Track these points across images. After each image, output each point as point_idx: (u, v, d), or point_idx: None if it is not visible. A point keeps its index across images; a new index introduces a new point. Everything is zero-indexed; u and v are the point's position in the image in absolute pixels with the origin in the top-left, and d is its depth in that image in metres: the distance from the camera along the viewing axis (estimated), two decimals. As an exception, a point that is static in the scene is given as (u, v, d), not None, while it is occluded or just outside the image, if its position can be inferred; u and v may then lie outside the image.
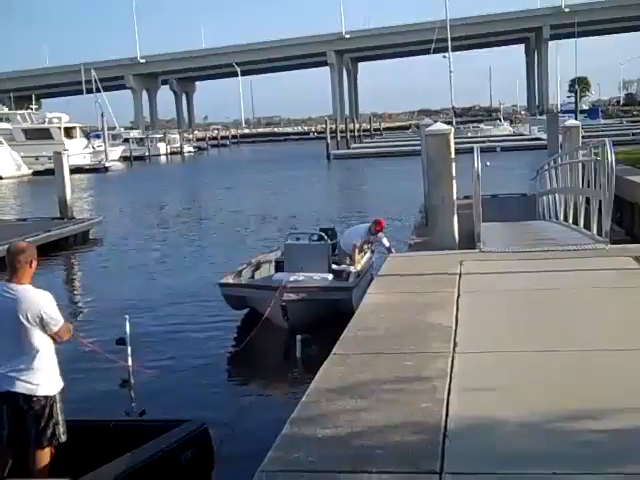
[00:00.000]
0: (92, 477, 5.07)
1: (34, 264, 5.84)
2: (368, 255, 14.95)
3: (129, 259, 21.29)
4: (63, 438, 5.76)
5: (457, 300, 9.19)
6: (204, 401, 10.02)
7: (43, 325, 5.66)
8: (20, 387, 5.63)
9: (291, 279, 13.24)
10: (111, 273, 19.18)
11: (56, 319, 5.73)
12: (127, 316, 10.70)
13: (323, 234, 14.64)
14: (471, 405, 5.82)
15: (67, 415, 6.02)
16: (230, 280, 13.61)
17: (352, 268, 13.82)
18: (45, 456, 5.70)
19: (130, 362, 10.40)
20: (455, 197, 13.26)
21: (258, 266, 14.86)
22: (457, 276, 10.63)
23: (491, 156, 20.22)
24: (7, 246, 6.09)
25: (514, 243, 13.16)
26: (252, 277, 14.33)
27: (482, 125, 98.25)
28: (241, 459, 6.55)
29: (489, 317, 8.53)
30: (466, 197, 16.94)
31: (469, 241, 13.44)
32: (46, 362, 5.73)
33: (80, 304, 16.54)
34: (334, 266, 14.06)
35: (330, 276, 13.67)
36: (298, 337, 11.12)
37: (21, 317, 5.62)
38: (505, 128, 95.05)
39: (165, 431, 5.77)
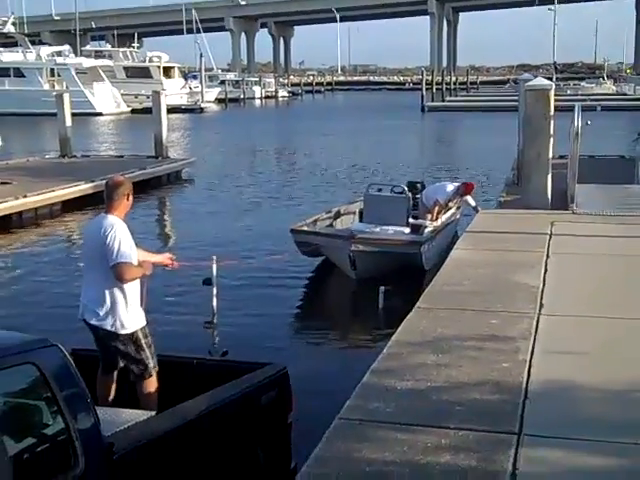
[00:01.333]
0: (174, 412, 5.19)
1: (130, 198, 5.91)
2: (451, 212, 14.61)
3: (219, 200, 21.55)
4: (154, 372, 5.83)
5: (546, 261, 9.05)
6: (285, 346, 10.15)
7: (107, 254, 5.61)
8: (101, 322, 5.71)
9: (366, 230, 13.12)
10: (200, 213, 19.45)
11: (118, 252, 5.57)
12: (214, 257, 10.84)
13: (404, 187, 14.39)
14: (553, 368, 5.76)
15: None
16: (302, 227, 13.42)
17: (428, 223, 13.52)
18: (146, 388, 5.79)
19: (215, 303, 10.56)
20: (551, 155, 12.97)
21: (338, 215, 14.68)
22: (547, 236, 10.46)
23: (591, 115, 19.59)
24: (106, 180, 6.21)
25: (609, 206, 12.82)
26: (331, 226, 14.15)
27: (583, 83, 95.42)
28: (320, 405, 6.62)
29: (578, 280, 8.38)
30: (561, 157, 16.53)
31: (562, 202, 13.17)
32: (125, 298, 5.74)
33: (169, 242, 16.87)
34: (411, 220, 13.81)
35: (407, 230, 13.42)
36: (381, 288, 11.10)
37: (95, 246, 5.70)
38: (608, 87, 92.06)
39: (246, 372, 5.85)
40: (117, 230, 5.66)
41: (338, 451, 4.47)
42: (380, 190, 14.87)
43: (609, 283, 8.23)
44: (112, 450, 4.47)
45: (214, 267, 10.64)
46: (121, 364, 5.88)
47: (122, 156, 28.48)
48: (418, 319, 6.99)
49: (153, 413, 5.31)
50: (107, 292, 5.71)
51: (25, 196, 17.66)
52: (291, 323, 11.53)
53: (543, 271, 8.57)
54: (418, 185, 15.26)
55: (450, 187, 14.56)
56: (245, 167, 29.40)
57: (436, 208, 13.96)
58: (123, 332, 5.74)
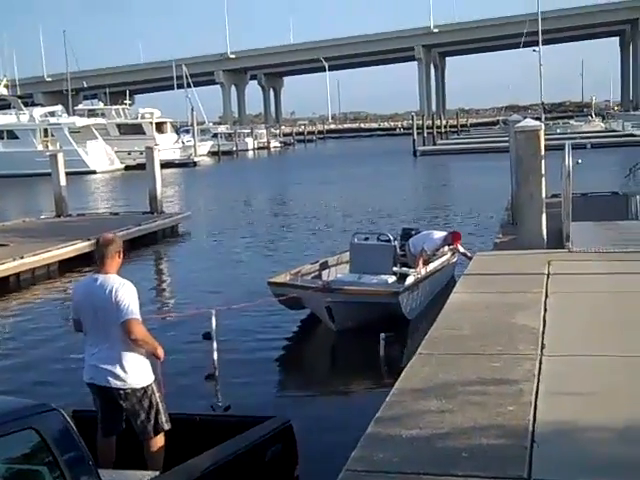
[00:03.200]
0: (178, 471, 5.14)
1: (120, 257, 5.94)
2: (444, 258, 14.41)
3: (215, 254, 21.56)
4: (167, 426, 5.81)
5: (545, 301, 9.04)
6: (288, 398, 10.09)
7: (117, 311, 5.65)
8: (116, 382, 5.68)
9: (345, 280, 13.05)
10: (197, 268, 19.45)
11: (125, 308, 5.64)
12: (213, 310, 10.83)
13: (389, 235, 14.25)
14: (559, 409, 5.71)
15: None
16: (279, 280, 13.17)
17: (412, 272, 13.27)
18: (154, 446, 5.76)
19: (215, 356, 10.52)
20: (544, 195, 13.03)
21: (326, 266, 14.45)
22: (545, 276, 10.45)
23: (581, 153, 19.81)
24: (97, 239, 6.25)
25: (605, 243, 12.85)
26: (318, 276, 13.89)
27: (572, 121, 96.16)
28: (325, 457, 6.56)
29: (578, 319, 8.36)
30: (554, 195, 16.61)
31: (557, 240, 13.20)
32: (137, 353, 5.76)
33: (166, 297, 16.85)
34: (395, 269, 13.63)
35: (392, 278, 13.28)
36: (382, 335, 11.07)
37: (105, 305, 5.69)
38: (597, 124, 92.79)
39: (250, 427, 5.82)
40: (128, 288, 5.76)
41: (346, 504, 4.41)
42: (367, 239, 14.75)
43: (608, 321, 8.21)
44: (117, 513, 4.41)
45: (213, 321, 10.63)
46: (123, 425, 5.82)
47: (117, 213, 28.53)
48: (420, 365, 6.95)
49: (157, 473, 5.25)
50: (120, 349, 5.70)
51: (22, 257, 17.66)
52: (294, 375, 11.47)
53: (542, 311, 8.55)
54: (413, 232, 15.09)
55: (437, 235, 14.40)
56: (240, 220, 29.46)
57: (422, 256, 13.73)
58: (138, 387, 5.72)
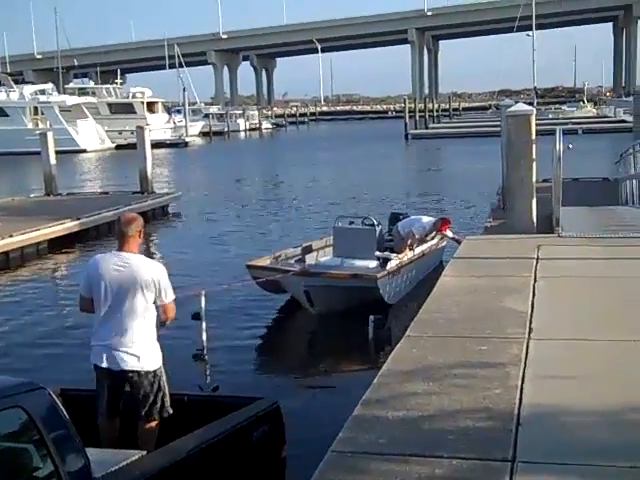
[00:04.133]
0: (165, 450, 5.15)
1: (142, 236, 5.95)
2: (430, 243, 14.32)
3: (205, 234, 21.55)
4: (170, 410, 5.79)
5: (534, 285, 9.05)
6: (276, 379, 10.13)
7: (156, 294, 5.66)
8: (129, 364, 5.63)
9: (325, 264, 13.03)
10: (187, 248, 19.43)
11: (167, 290, 5.75)
12: (203, 291, 10.84)
13: (374, 219, 14.10)
14: (545, 393, 5.74)
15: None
16: (258, 263, 13.08)
17: (394, 256, 13.12)
18: (152, 428, 5.73)
19: (204, 337, 10.54)
20: (534, 179, 13.04)
21: (309, 250, 14.27)
22: (534, 260, 10.47)
23: (573, 139, 19.78)
24: (117, 217, 6.21)
25: (594, 228, 12.88)
26: (301, 260, 13.73)
27: (564, 107, 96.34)
28: (312, 438, 6.59)
29: (566, 303, 8.39)
30: (545, 180, 16.63)
31: (547, 225, 13.22)
32: (152, 335, 5.76)
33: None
34: (377, 253, 13.48)
35: (374, 263, 13.14)
36: (371, 317, 11.10)
37: (136, 287, 5.61)
38: (589, 110, 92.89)
39: (238, 407, 5.83)
40: (163, 269, 5.81)
41: (331, 485, 4.43)
42: (352, 222, 14.60)
43: (597, 305, 8.24)
44: (104, 492, 4.42)
45: (203, 301, 10.64)
46: (142, 406, 5.77)
47: (107, 193, 28.47)
48: (408, 348, 6.96)
49: (144, 452, 5.26)
50: (136, 332, 5.65)
51: (11, 236, 17.60)
52: (282, 356, 11.50)
53: (531, 295, 8.57)
54: (401, 217, 14.96)
55: (426, 219, 14.30)
56: (231, 200, 29.42)
57: (410, 240, 13.62)
58: (151, 369, 5.69)
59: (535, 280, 9.30)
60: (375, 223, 13.90)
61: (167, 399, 5.80)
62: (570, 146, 13.62)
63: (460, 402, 5.50)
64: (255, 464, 5.72)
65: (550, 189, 14.05)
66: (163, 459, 5.03)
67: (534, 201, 13.00)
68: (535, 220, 13.04)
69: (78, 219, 19.58)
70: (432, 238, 14.42)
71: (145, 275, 5.66)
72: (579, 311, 8.03)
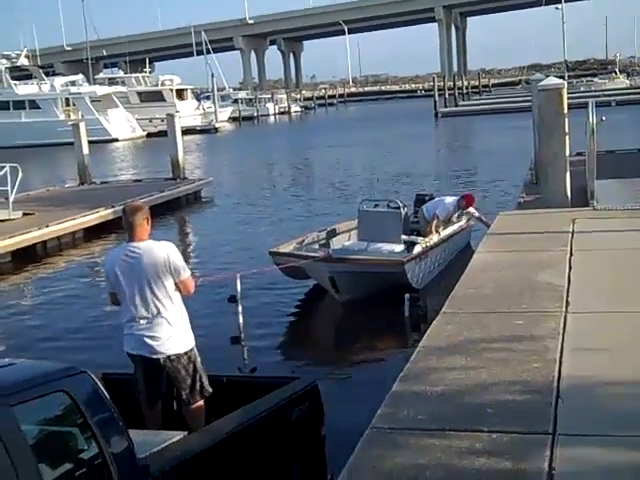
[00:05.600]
0: (206, 431, 5.21)
1: (149, 223, 5.91)
2: (456, 225, 13.97)
3: (238, 218, 21.61)
4: (210, 389, 5.84)
5: (569, 259, 9.00)
6: (314, 359, 10.17)
7: (172, 274, 5.69)
8: (161, 350, 5.68)
9: (350, 249, 12.68)
10: (221, 233, 19.53)
11: (184, 266, 5.79)
12: (238, 274, 10.91)
13: (399, 202, 13.69)
14: (584, 365, 5.72)
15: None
16: (281, 249, 12.68)
17: (420, 240, 12.80)
18: (199, 409, 5.79)
19: (241, 319, 10.62)
20: (568, 153, 12.93)
21: (334, 233, 13.92)
22: (569, 234, 10.41)
23: (606, 111, 19.58)
24: (123, 208, 6.12)
25: (630, 200, 12.73)
26: (326, 245, 13.39)
27: (596, 79, 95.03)
28: (351, 416, 6.62)
29: (602, 276, 8.33)
30: (579, 154, 16.46)
31: (582, 199, 13.11)
32: (180, 317, 5.79)
33: (191, 262, 16.94)
34: (404, 237, 13.10)
35: (400, 247, 12.75)
36: (407, 295, 11.08)
37: (151, 272, 5.66)
38: (621, 81, 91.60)
39: (276, 387, 5.87)
40: (172, 248, 5.84)
41: (371, 460, 4.46)
42: (377, 205, 14.22)
43: (634, 278, 8.17)
44: (147, 472, 4.49)
45: (238, 284, 10.72)
46: (184, 390, 5.80)
47: (140, 180, 28.66)
48: (444, 324, 6.97)
49: (186, 433, 5.32)
50: (164, 316, 5.70)
51: (47, 226, 17.80)
52: (319, 336, 11.54)
53: (567, 269, 8.53)
54: (426, 198, 14.65)
55: (449, 200, 13.90)
56: (262, 185, 29.49)
57: (434, 222, 13.32)
58: (183, 352, 5.73)
59: (571, 254, 9.24)
60: (400, 206, 13.55)
61: (205, 379, 5.83)
62: (604, 118, 13.47)
63: (498, 376, 5.50)
64: (295, 443, 5.76)
65: (584, 162, 13.92)
66: (204, 439, 5.09)
67: (568, 175, 12.89)
68: (569, 194, 12.94)
69: (112, 207, 19.71)
70: (458, 217, 14.08)
71: (157, 258, 5.70)
72: (616, 284, 7.98)
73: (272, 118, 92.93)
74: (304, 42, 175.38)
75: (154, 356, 5.70)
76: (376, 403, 5.29)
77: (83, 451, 4.30)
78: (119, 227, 19.77)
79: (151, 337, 5.70)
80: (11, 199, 18.93)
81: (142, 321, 5.73)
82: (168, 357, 5.71)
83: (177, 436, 5.19)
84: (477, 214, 13.98)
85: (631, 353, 5.92)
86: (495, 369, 5.65)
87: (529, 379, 5.44)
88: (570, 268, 8.57)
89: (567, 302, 7.30)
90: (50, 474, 4.05)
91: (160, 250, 5.75)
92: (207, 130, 69.38)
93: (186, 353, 5.76)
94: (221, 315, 11.28)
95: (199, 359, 5.86)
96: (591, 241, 10.13)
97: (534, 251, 9.65)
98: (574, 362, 5.76)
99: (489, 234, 11.40)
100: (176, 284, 5.74)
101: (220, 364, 8.90)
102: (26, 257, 16.69)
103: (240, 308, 10.63)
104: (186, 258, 17.54)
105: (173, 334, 5.72)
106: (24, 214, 19.41)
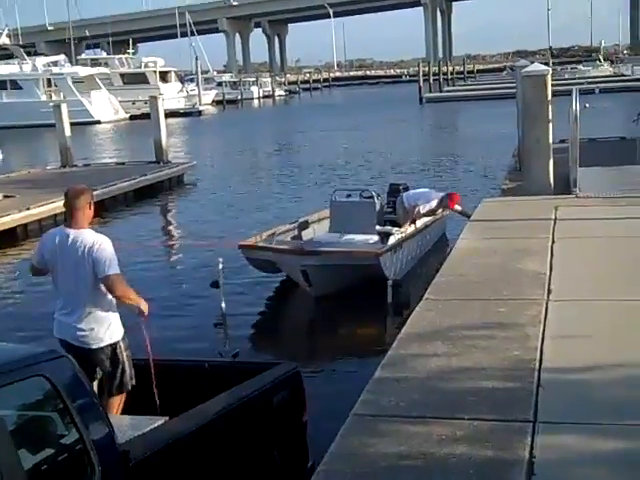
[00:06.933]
0: (187, 416, 5.19)
1: (91, 208, 5.73)
2: (432, 217, 13.44)
3: (221, 203, 21.52)
4: (129, 386, 5.72)
5: (551, 246, 9.03)
6: (295, 344, 10.17)
7: (97, 267, 5.47)
8: (83, 339, 5.59)
9: (321, 241, 12.26)
10: (204, 217, 19.46)
11: (106, 263, 5.48)
12: (221, 259, 10.89)
13: (373, 192, 13.27)
14: (564, 354, 5.74)
15: (163, 354, 6.15)
16: (251, 242, 12.13)
17: (395, 231, 12.32)
18: (116, 403, 5.67)
19: (223, 304, 10.60)
20: (551, 140, 12.95)
21: (306, 225, 13.37)
22: (552, 222, 10.44)
23: (589, 98, 19.62)
24: (66, 190, 5.82)
25: (612, 188, 12.80)
26: (298, 237, 12.87)
27: (580, 66, 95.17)
28: (332, 402, 6.63)
29: (584, 264, 8.36)
30: (562, 141, 16.49)
31: (565, 186, 13.15)
32: (105, 311, 5.64)
33: (174, 246, 16.90)
34: (378, 227, 12.63)
35: (374, 238, 12.31)
36: (389, 282, 11.07)
37: (78, 261, 5.51)
38: (605, 69, 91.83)
39: (258, 373, 5.86)
40: (106, 243, 5.56)
41: (353, 447, 4.46)
42: (349, 195, 13.78)
43: (616, 265, 8.21)
44: (128, 457, 4.47)
45: (220, 268, 10.69)
46: (100, 381, 5.71)
47: (123, 163, 28.50)
48: (426, 311, 6.98)
49: (167, 418, 5.30)
50: (89, 307, 5.58)
51: (28, 208, 17.68)
52: (301, 322, 11.53)
53: (549, 257, 8.55)
54: (400, 187, 14.17)
55: (434, 195, 13.33)
56: (246, 169, 29.38)
57: (413, 213, 12.80)
58: (105, 344, 5.60)
59: (553, 241, 9.28)
60: (374, 195, 13.11)
61: (127, 374, 5.69)
62: (587, 105, 13.48)
63: (480, 364, 5.52)
64: (276, 428, 5.76)
65: (567, 150, 13.95)
66: (186, 424, 5.07)
67: (551, 162, 12.92)
68: (552, 181, 12.97)
69: (95, 190, 19.52)
70: (438, 215, 13.62)
71: (85, 249, 5.51)
72: (598, 272, 8.01)
73: (256, 102, 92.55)
74: (289, 25, 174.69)
75: (78, 344, 5.58)
76: (358, 389, 5.29)
77: (63, 437, 4.27)
78: (101, 210, 19.70)
79: (76, 327, 5.59)
80: (-8, 181, 18.79)
81: (67, 309, 5.65)
82: (91, 348, 5.60)
83: (158, 421, 5.17)
84: (459, 208, 13.46)
85: (612, 341, 5.94)
86: (477, 356, 5.66)
87: (510, 367, 5.46)
88: (552, 256, 8.60)
89: (549, 290, 7.32)
90: (29, 459, 4.02)
91: (90, 242, 5.53)
92: (191, 113, 69.00)
93: (110, 345, 5.63)
94: (203, 300, 11.25)
95: (126, 353, 5.70)
96: (573, 229, 10.16)
97: (517, 238, 9.68)
98: (555, 350, 5.78)
99: (472, 221, 11.42)
100: (100, 279, 5.52)
101: (202, 349, 8.91)
102: (6, 240, 16.56)
103: (223, 293, 10.61)
104: (169, 241, 17.56)
105: (98, 325, 5.60)
106: (4, 196, 19.26)
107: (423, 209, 12.98)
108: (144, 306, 5.69)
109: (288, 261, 11.35)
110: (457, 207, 13.37)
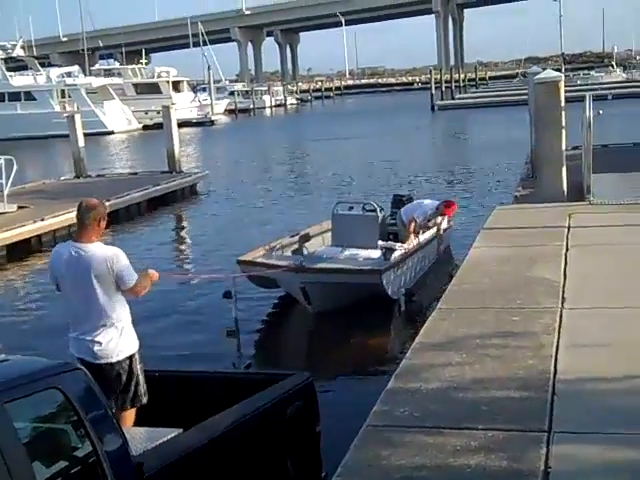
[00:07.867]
0: (201, 428, 5.18)
1: (103, 223, 5.67)
2: (434, 230, 13.03)
3: (234, 212, 21.55)
4: (144, 399, 5.67)
5: (565, 254, 8.99)
6: (309, 355, 10.15)
7: (117, 283, 5.48)
8: (95, 354, 5.53)
9: (323, 257, 11.92)
10: (216, 227, 19.48)
11: (129, 274, 5.51)
12: (232, 274, 10.89)
13: (375, 204, 12.97)
14: (579, 363, 5.71)
15: (177, 365, 6.16)
16: (250, 258, 11.70)
17: (398, 246, 12.01)
18: (129, 417, 5.63)
19: (236, 315, 10.59)
20: (564, 147, 12.90)
21: (307, 238, 13.08)
22: (566, 229, 10.40)
23: (602, 104, 19.49)
24: (79, 202, 5.76)
25: (626, 195, 12.73)
26: (298, 250, 12.53)
27: (593, 72, 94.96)
28: (346, 412, 6.61)
29: (599, 272, 8.31)
30: (575, 148, 16.44)
31: (578, 193, 13.10)
32: (121, 324, 5.61)
33: (187, 256, 16.92)
34: (380, 242, 12.31)
35: (376, 253, 11.93)
36: (402, 291, 11.03)
37: (92, 277, 5.46)
38: (618, 75, 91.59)
39: (271, 384, 5.84)
40: (121, 255, 5.55)
41: (367, 458, 4.45)
42: (351, 208, 13.37)
43: (630, 273, 8.16)
44: (142, 470, 4.46)
45: (233, 279, 10.70)
46: (113, 395, 5.56)
47: (136, 173, 28.55)
48: (440, 320, 6.96)
49: (181, 430, 5.30)
50: (102, 322, 5.54)
51: (42, 219, 17.75)
52: (314, 332, 11.50)
53: (563, 264, 8.52)
54: (404, 198, 14.03)
55: (429, 204, 13.10)
56: (258, 178, 29.39)
57: (412, 226, 12.48)
58: (120, 358, 5.56)
59: (567, 249, 9.23)
60: (377, 209, 12.80)
61: (141, 388, 5.65)
62: (600, 112, 13.44)
63: (494, 373, 5.49)
64: (290, 439, 5.74)
65: (580, 156, 13.90)
66: (199, 436, 5.06)
67: (564, 169, 12.88)
68: (565, 188, 12.93)
69: (108, 200, 19.63)
70: (436, 223, 13.19)
71: (98, 264, 5.47)
72: (612, 279, 7.96)
73: (268, 110, 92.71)
74: (301, 34, 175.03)
75: (95, 361, 5.52)
76: (372, 400, 5.28)
77: (77, 449, 4.27)
78: (114, 220, 19.79)
79: (92, 342, 5.55)
80: (6, 192, 18.85)
81: (84, 325, 5.60)
82: (109, 362, 5.55)
83: (172, 433, 5.17)
84: (446, 224, 13.31)
85: (626, 350, 5.90)
86: (490, 366, 5.64)
87: (525, 376, 5.43)
88: (566, 263, 8.56)
89: (563, 298, 7.28)
90: (43, 472, 4.02)
91: (104, 257, 5.49)
92: (203, 122, 69.18)
93: (127, 358, 5.60)
94: (216, 311, 11.25)
95: (140, 365, 5.68)
96: (587, 236, 10.11)
97: (530, 246, 9.64)
98: (570, 358, 5.75)
99: (485, 228, 11.39)
100: (124, 291, 5.54)
101: (215, 360, 8.90)
102: (21, 250, 16.63)
103: (235, 303, 10.59)
104: (180, 252, 17.59)
105: (114, 339, 5.55)
106: (19, 207, 19.34)
107: (419, 219, 12.71)
108: (155, 276, 5.79)
109: (287, 278, 10.94)
110: (445, 221, 13.14)
